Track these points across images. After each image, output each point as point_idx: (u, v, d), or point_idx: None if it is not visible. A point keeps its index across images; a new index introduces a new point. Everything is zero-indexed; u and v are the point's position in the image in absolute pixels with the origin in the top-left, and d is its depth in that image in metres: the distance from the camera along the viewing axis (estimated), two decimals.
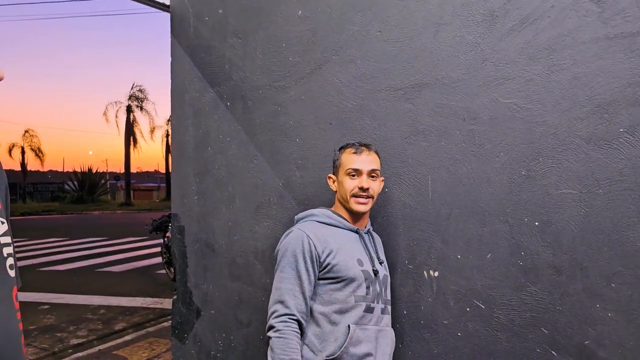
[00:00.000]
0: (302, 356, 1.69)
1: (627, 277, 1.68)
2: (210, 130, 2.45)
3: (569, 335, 1.75)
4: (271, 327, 1.66)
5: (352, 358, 1.67)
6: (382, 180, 1.89)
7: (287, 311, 1.66)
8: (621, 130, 1.68)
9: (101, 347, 4.72)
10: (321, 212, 1.84)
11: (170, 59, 2.56)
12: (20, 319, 1.09)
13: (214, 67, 2.44)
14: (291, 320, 1.66)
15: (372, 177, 1.80)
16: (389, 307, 1.83)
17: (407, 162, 2.02)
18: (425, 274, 1.98)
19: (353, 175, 1.79)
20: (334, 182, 1.88)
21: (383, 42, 2.07)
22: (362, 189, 1.76)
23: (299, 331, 1.67)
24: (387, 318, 1.81)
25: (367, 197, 1.78)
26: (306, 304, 1.69)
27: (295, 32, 2.25)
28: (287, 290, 1.69)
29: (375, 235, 1.95)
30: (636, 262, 1.67)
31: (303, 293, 1.69)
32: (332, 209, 1.88)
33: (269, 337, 1.66)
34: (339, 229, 1.81)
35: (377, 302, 1.76)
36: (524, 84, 1.82)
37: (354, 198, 1.78)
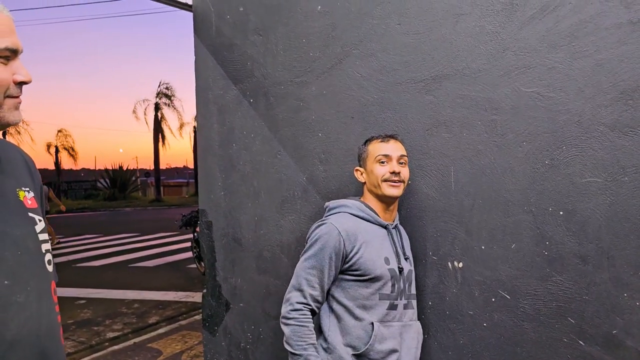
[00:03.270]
0: (320, 344, 1.76)
1: None
2: (234, 126, 2.49)
3: (596, 324, 1.74)
4: (286, 317, 1.73)
5: (378, 355, 1.70)
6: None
7: (303, 300, 1.73)
8: None
9: (136, 340, 4.87)
10: (353, 204, 1.84)
11: (194, 57, 2.61)
12: (58, 312, 1.16)
13: (237, 65, 2.48)
14: (306, 309, 1.73)
15: (402, 163, 1.81)
16: (413, 302, 1.85)
17: (429, 154, 2.02)
18: (450, 265, 1.99)
19: (383, 162, 1.80)
20: (361, 174, 1.87)
21: (403, 35, 2.07)
22: (393, 173, 1.77)
23: (311, 319, 1.74)
24: (411, 312, 1.83)
25: (399, 181, 1.79)
26: (322, 295, 1.76)
27: (315, 27, 2.27)
28: (306, 281, 1.74)
29: (402, 229, 1.96)
30: None
31: (322, 286, 1.74)
32: (362, 199, 1.89)
33: (284, 323, 1.73)
34: (369, 223, 1.82)
35: (400, 299, 1.78)
36: (545, 72, 1.80)
37: (385, 182, 1.78)
